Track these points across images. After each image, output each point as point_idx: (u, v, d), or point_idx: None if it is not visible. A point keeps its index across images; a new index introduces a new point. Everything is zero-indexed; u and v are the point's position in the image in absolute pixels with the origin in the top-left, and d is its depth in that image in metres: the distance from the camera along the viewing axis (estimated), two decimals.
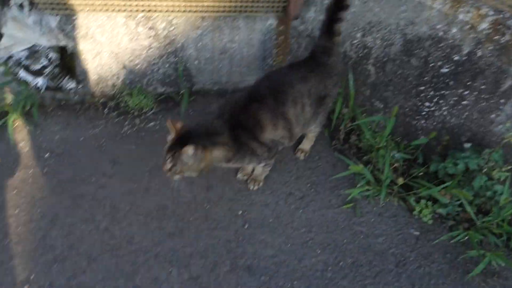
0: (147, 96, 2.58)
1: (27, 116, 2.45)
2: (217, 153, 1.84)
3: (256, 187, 2.31)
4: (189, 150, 1.71)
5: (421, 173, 2.23)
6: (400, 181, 2.24)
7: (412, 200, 2.24)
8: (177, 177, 1.85)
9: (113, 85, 2.54)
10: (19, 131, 2.41)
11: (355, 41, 2.37)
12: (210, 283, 1.94)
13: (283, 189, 2.34)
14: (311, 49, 2.13)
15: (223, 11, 2.32)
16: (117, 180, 2.29)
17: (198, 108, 2.70)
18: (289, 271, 2.01)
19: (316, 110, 2.10)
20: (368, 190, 2.29)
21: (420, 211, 2.21)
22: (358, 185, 2.31)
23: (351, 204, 2.27)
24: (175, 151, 1.75)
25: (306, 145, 2.47)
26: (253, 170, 2.33)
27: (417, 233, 2.18)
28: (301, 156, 2.49)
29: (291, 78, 1.99)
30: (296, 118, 2.01)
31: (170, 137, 1.82)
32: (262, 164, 2.14)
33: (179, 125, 1.80)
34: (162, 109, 2.65)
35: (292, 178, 2.39)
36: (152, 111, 2.61)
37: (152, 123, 2.57)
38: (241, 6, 2.31)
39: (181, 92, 2.66)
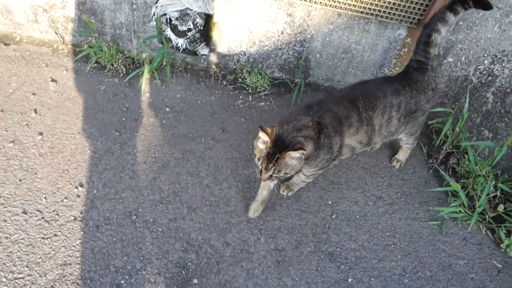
0: (264, 78, 2.76)
1: (158, 71, 2.71)
2: (309, 147, 1.87)
3: (287, 194, 2.32)
4: (297, 154, 1.73)
5: None
6: (499, 208, 2.23)
7: (502, 232, 2.23)
8: (276, 180, 1.92)
9: (237, 61, 2.74)
10: (148, 84, 2.67)
11: (481, 67, 2.39)
12: (293, 259, 2.07)
13: (373, 191, 2.41)
14: (406, 64, 2.16)
15: (361, 12, 2.43)
16: (223, 146, 2.48)
17: (306, 100, 2.84)
18: (368, 267, 2.09)
19: (404, 123, 2.14)
20: (459, 212, 2.31)
21: (508, 245, 2.19)
22: (451, 205, 2.33)
23: (438, 222, 2.30)
24: (276, 157, 1.75)
25: (401, 155, 2.53)
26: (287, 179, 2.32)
27: (500, 265, 2.17)
28: (396, 165, 2.54)
29: (385, 89, 2.03)
30: (379, 126, 2.05)
31: (261, 143, 1.80)
32: (310, 172, 2.10)
33: (269, 130, 1.78)
34: (274, 92, 2.82)
35: (384, 184, 2.46)
36: (265, 92, 2.79)
37: (263, 103, 2.75)
38: (379, 10, 2.41)
39: (295, 81, 2.81)
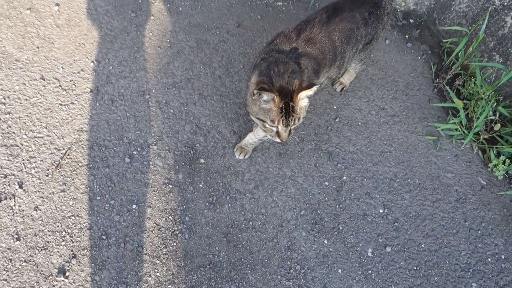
0: None
1: None
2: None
3: (244, 156, 2.15)
4: (312, 90, 1.54)
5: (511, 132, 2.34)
6: (495, 127, 2.34)
7: (492, 153, 2.36)
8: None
9: None
10: None
11: None
12: (294, 153, 2.20)
13: (378, 102, 2.49)
14: None
15: None
16: (237, 40, 2.49)
17: (324, 5, 2.80)
18: (362, 169, 2.24)
19: (362, 51, 2.05)
20: (455, 130, 2.42)
21: (496, 165, 2.33)
22: (449, 122, 2.44)
23: (434, 137, 2.42)
24: (291, 106, 1.55)
25: (346, 78, 2.46)
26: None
27: (484, 182, 2.33)
28: (338, 88, 2.48)
29: (357, 18, 1.85)
30: (348, 58, 1.95)
31: (265, 103, 1.56)
32: None
33: (268, 86, 1.54)
34: None
35: (389, 96, 2.53)
36: None
37: (280, 3, 2.70)
38: None
39: None
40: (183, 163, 2.04)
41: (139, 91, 2.18)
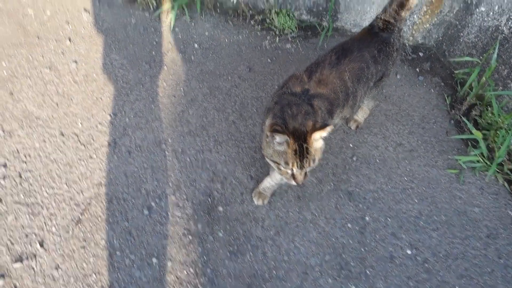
0: (292, 20, 2.74)
1: (188, 8, 2.70)
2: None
3: (262, 202, 2.11)
4: (325, 131, 1.51)
5: None
6: None
7: None
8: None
9: (267, 0, 2.72)
10: (178, 19, 2.68)
11: None
12: (313, 195, 2.17)
13: (394, 138, 2.46)
14: (371, 23, 2.00)
15: None
16: (249, 84, 2.52)
17: (332, 44, 2.83)
18: (385, 208, 2.18)
19: (373, 88, 2.03)
20: (477, 162, 2.36)
21: None
22: (470, 154, 2.38)
23: (456, 171, 2.36)
24: (305, 148, 1.52)
25: (360, 115, 2.44)
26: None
27: None
28: (353, 125, 2.46)
29: (366, 57, 1.85)
30: (360, 97, 1.92)
31: (278, 145, 1.55)
32: None
33: (282, 128, 1.52)
34: (301, 35, 2.81)
35: (405, 131, 2.50)
36: (292, 34, 2.78)
37: (289, 45, 2.75)
38: None
39: (323, 24, 2.79)
40: (201, 212, 2.02)
41: (155, 141, 2.20)
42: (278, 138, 1.51)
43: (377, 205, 2.20)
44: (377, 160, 2.37)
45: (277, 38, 2.75)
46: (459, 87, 2.72)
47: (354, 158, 2.35)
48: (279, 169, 1.62)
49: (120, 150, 2.13)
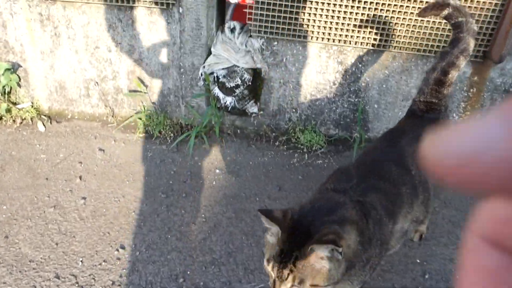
0: (319, 135, 2.54)
1: (207, 136, 2.57)
2: (351, 238, 1.18)
3: None
4: (325, 251, 1.07)
5: None
6: None
7: None
8: None
9: (289, 120, 2.57)
10: (197, 148, 2.53)
11: None
12: None
13: None
14: (410, 109, 1.78)
15: (417, 50, 2.27)
16: (281, 203, 2.17)
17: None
18: None
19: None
20: None
21: None
22: None
23: None
24: (294, 257, 1.08)
25: (422, 226, 1.93)
26: None
27: None
28: (415, 237, 1.97)
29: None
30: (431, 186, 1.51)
31: (271, 234, 1.16)
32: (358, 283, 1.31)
33: (279, 212, 1.14)
34: (332, 150, 2.56)
35: None
36: (322, 150, 2.54)
37: (320, 161, 2.48)
38: (437, 46, 2.24)
39: (354, 136, 2.57)
40: None
41: (171, 275, 1.77)
42: (265, 223, 1.14)
43: None
44: (457, 276, 1.81)
45: (306, 156, 2.51)
46: None
47: (427, 276, 1.81)
48: (264, 264, 1.17)
49: None
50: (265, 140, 2.62)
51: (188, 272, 1.79)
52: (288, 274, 1.07)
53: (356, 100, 2.50)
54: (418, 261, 1.88)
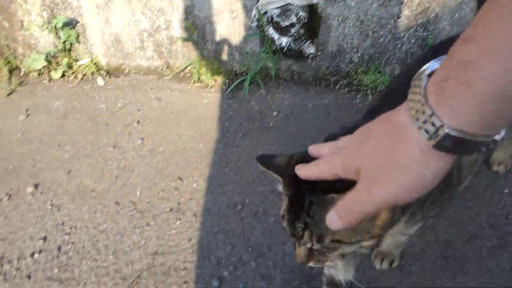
0: (384, 75, 2.36)
1: (262, 81, 2.48)
2: None
3: (388, 265, 1.39)
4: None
5: None
6: None
7: None
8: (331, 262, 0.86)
9: (350, 61, 2.41)
10: (253, 93, 2.44)
11: None
12: (467, 254, 1.40)
13: None
14: None
15: None
16: None
17: None
18: None
19: None
20: None
21: None
22: None
23: None
24: (308, 203, 0.75)
25: (503, 155, 1.71)
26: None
27: None
28: (500, 168, 1.72)
29: None
30: None
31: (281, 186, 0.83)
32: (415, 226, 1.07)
33: (280, 160, 0.83)
34: None
35: None
36: None
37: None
38: None
39: None
40: (296, 283, 1.34)
41: (229, 204, 1.69)
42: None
43: None
44: None
45: (370, 97, 2.33)
46: None
47: None
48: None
49: (185, 215, 1.64)
50: (324, 85, 2.47)
51: (247, 201, 1.70)
52: (304, 230, 0.76)
53: (424, 34, 2.29)
54: (506, 191, 1.65)
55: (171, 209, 1.67)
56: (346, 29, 2.34)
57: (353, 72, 2.43)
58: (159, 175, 1.88)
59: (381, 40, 2.34)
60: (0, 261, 1.49)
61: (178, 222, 1.60)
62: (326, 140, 0.82)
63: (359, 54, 2.40)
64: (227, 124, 2.21)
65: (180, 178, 1.84)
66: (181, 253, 1.47)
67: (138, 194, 1.76)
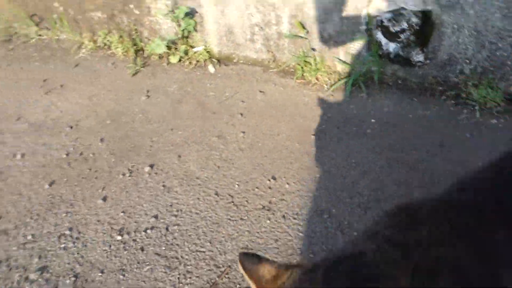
0: (496, 91, 2.22)
1: (365, 84, 2.50)
2: None
3: None
4: None
5: None
6: None
7: None
8: None
9: (460, 72, 2.31)
10: (354, 95, 2.48)
11: None
12: None
13: None
14: None
15: None
16: (441, 159, 2.00)
17: None
18: None
19: None
20: None
21: None
22: None
23: None
24: None
25: None
26: None
27: None
28: None
29: None
30: None
31: None
32: None
33: (266, 268, 0.76)
34: (511, 110, 2.23)
35: None
36: (498, 108, 2.23)
37: (495, 121, 2.19)
38: None
39: None
40: None
41: (316, 210, 1.81)
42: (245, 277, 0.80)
43: None
44: None
45: (478, 113, 2.23)
46: None
47: None
48: None
49: (275, 215, 1.80)
50: (430, 94, 2.41)
51: (333, 210, 1.80)
52: None
53: None
54: None
55: (263, 207, 1.84)
56: (461, 38, 2.23)
57: (463, 84, 2.33)
58: (256, 171, 2.05)
59: (498, 53, 2.20)
60: (121, 231, 1.80)
61: (268, 221, 1.77)
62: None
63: (471, 66, 2.28)
64: (324, 126, 2.29)
65: (274, 177, 1.99)
66: (267, 252, 1.64)
67: (236, 187, 1.96)
